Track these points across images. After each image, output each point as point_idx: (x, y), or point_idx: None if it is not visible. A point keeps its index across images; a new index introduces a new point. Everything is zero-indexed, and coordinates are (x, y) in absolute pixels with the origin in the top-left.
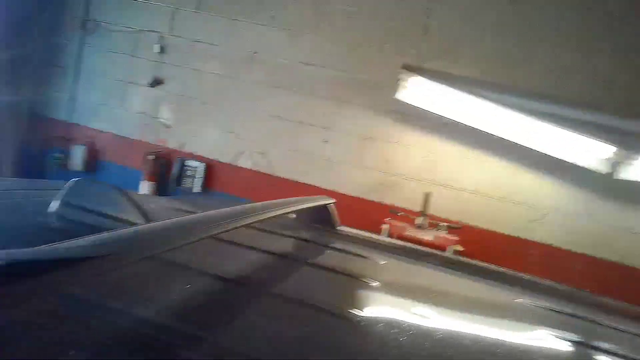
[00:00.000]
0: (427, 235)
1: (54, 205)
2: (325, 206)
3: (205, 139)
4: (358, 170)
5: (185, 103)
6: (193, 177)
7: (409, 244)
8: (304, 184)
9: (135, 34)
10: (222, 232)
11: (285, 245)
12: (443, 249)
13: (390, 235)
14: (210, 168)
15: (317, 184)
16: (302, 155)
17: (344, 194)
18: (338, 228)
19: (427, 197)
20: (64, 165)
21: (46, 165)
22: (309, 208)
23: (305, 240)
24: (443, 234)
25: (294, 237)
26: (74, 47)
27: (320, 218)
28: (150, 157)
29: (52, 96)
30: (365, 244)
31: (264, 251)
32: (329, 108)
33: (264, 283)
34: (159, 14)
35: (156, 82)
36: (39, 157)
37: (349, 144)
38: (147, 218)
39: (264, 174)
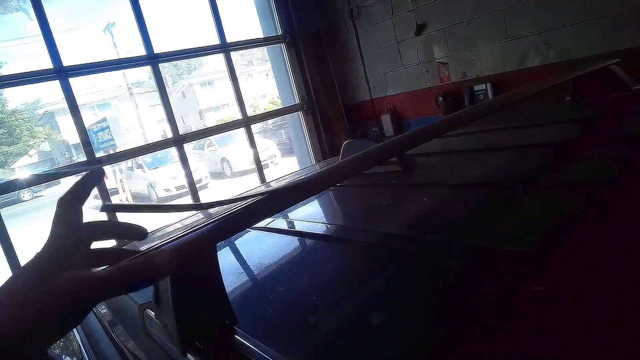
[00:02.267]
0: None
1: None
2: (607, 67)
3: (481, 58)
4: None
5: (451, 33)
6: (484, 99)
7: None
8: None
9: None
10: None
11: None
12: None
13: None
14: (497, 84)
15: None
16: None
17: None
18: (634, 88)
19: None
20: (382, 134)
21: (370, 139)
22: (591, 72)
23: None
24: None
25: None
26: (352, 36)
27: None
28: (440, 98)
29: (353, 84)
30: None
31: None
32: None
33: None
34: None
35: (420, 29)
36: (364, 135)
37: None
38: None
39: (556, 64)
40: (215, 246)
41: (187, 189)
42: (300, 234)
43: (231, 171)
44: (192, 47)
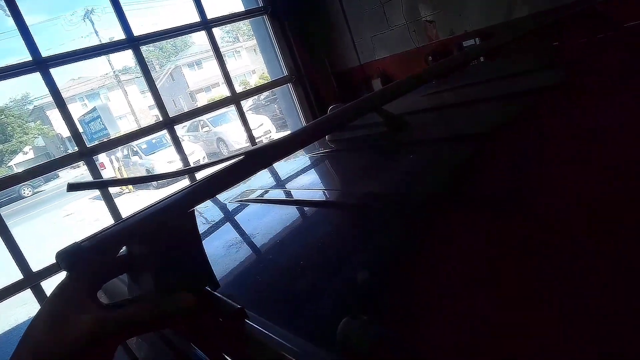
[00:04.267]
0: None
1: None
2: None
3: (468, 12)
4: None
5: None
6: None
7: None
8: None
9: None
10: None
11: None
12: None
13: None
14: (486, 38)
15: None
16: None
17: None
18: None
19: None
20: None
21: None
22: (577, 13)
23: None
24: None
25: None
26: (335, 1)
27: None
28: (429, 58)
29: (340, 51)
30: None
31: None
32: None
33: None
34: None
35: None
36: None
37: None
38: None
39: (545, 12)
40: (194, 211)
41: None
42: (294, 203)
43: (228, 150)
44: (172, 27)
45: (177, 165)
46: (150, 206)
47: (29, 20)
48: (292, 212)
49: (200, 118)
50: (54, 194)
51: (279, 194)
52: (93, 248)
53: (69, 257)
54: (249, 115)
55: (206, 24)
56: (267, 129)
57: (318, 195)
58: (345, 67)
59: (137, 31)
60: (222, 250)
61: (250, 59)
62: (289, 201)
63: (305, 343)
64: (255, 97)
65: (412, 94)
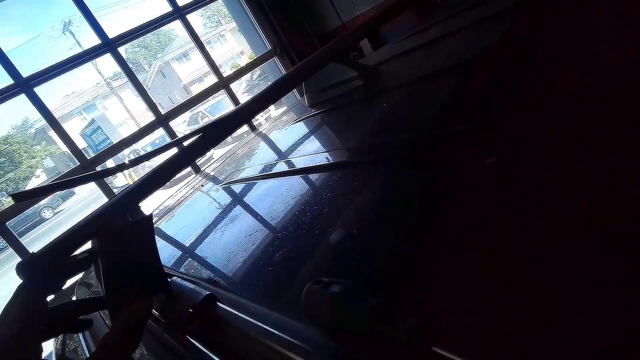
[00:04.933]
0: None
1: None
2: None
3: None
4: None
5: None
6: None
7: None
8: None
9: None
10: None
11: None
12: None
13: None
14: None
15: None
16: None
17: None
18: None
19: None
20: (362, 56)
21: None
22: None
23: None
24: None
25: None
26: None
27: None
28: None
29: (320, 13)
30: None
31: None
32: None
33: None
34: None
35: None
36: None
37: None
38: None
39: None
40: (151, 215)
41: (190, 167)
42: (275, 175)
43: (231, 137)
44: (146, 22)
45: None
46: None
47: (9, 43)
48: (271, 185)
49: (198, 110)
50: (74, 210)
51: (259, 170)
52: (45, 255)
53: (24, 267)
54: (245, 97)
55: (179, 12)
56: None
57: (301, 162)
58: (329, 29)
59: (114, 34)
60: (196, 238)
61: (236, 41)
62: (269, 175)
63: (279, 317)
64: (248, 77)
65: (389, 43)
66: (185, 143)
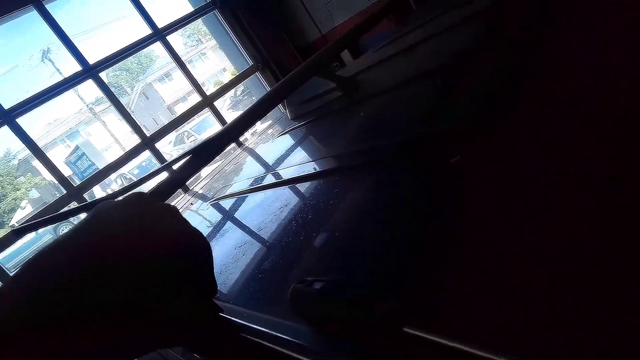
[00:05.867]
0: None
1: None
2: None
3: None
4: None
5: None
6: None
7: None
8: None
9: None
10: None
11: None
12: None
13: None
14: None
15: None
16: None
17: None
18: None
19: None
20: (344, 65)
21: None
22: None
23: None
24: None
25: None
26: None
27: None
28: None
29: (299, 26)
30: None
31: None
32: None
33: None
34: None
35: None
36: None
37: None
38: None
39: None
40: None
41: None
42: (266, 187)
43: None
44: (126, 46)
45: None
46: None
47: None
48: (261, 197)
49: (183, 129)
50: None
51: (248, 184)
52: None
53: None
54: (229, 114)
55: (158, 34)
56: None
57: (289, 173)
58: (308, 41)
59: (94, 59)
60: None
61: (218, 58)
62: (258, 188)
63: (277, 320)
64: (232, 94)
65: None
66: (176, 164)
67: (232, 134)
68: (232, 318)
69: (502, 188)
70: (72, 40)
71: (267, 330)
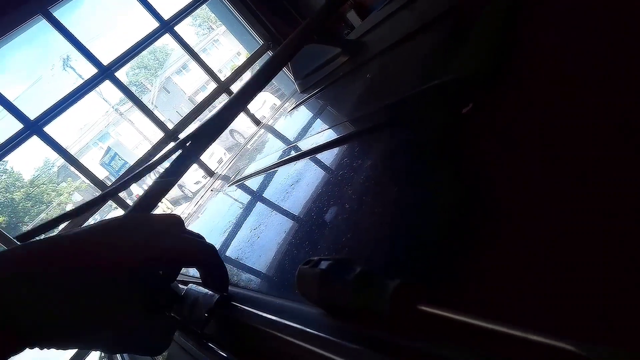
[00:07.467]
0: None
1: None
2: None
3: None
4: None
5: None
6: None
7: None
8: None
9: None
10: None
11: None
12: None
13: None
14: None
15: None
16: None
17: None
18: None
19: None
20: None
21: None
22: None
23: None
24: None
25: None
26: None
27: None
28: None
29: None
30: None
31: None
32: None
33: None
34: None
35: None
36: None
37: None
38: None
39: None
40: None
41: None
42: (288, 161)
43: (243, 138)
44: (136, 42)
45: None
46: None
47: (12, 92)
48: (282, 173)
49: (206, 117)
50: None
51: (270, 161)
52: None
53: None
54: None
55: (166, 25)
56: (271, 104)
57: (308, 144)
58: (315, 11)
59: (108, 60)
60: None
61: (231, 43)
62: (281, 163)
63: (294, 306)
64: (248, 75)
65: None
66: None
67: (231, 113)
68: (253, 310)
69: (528, 149)
70: (83, 43)
71: (288, 322)
